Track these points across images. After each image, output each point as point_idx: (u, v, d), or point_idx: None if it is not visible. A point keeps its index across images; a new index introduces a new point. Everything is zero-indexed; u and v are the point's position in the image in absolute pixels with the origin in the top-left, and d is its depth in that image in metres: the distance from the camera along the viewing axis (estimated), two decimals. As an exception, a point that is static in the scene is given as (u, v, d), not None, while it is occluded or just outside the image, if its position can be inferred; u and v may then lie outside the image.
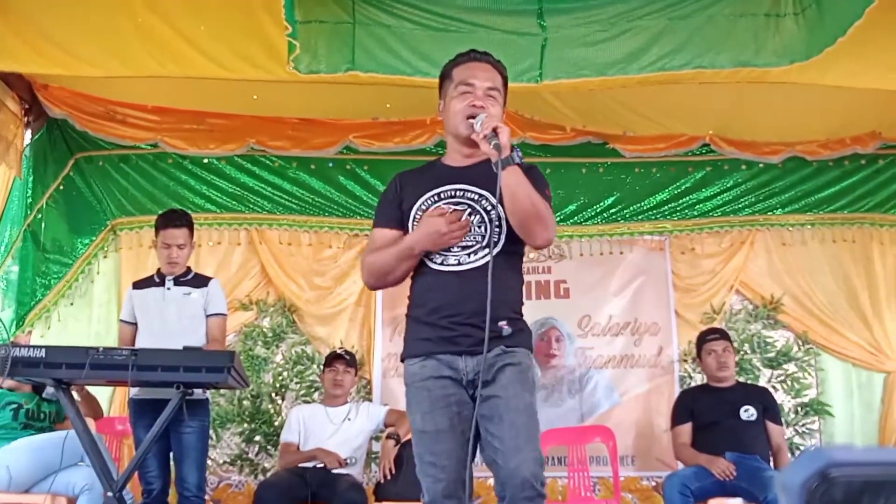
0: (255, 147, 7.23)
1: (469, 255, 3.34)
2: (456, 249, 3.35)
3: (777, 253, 7.57)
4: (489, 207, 3.36)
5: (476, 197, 3.39)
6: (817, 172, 7.58)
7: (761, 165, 7.53)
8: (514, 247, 3.38)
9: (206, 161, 7.35)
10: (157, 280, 5.48)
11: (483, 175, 3.34)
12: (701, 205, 7.62)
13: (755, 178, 7.59)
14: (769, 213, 7.60)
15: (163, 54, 5.43)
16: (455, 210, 3.37)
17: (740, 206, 7.61)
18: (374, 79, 5.42)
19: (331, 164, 7.47)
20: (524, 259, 3.50)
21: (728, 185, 7.61)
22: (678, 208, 7.60)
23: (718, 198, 7.62)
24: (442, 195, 3.43)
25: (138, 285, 5.58)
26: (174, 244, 5.40)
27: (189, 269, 5.55)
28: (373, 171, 7.46)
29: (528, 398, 3.24)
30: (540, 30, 5.36)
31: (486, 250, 3.30)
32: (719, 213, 7.62)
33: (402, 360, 3.48)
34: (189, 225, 5.50)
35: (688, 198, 7.62)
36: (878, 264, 7.51)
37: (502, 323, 3.26)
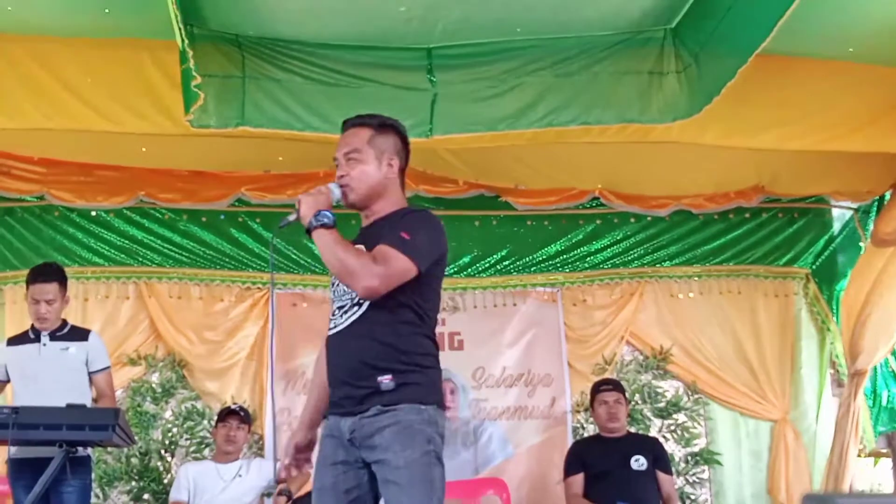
0: (145, 199, 7.12)
1: (342, 315, 3.38)
2: (336, 312, 3.41)
3: (666, 304, 7.72)
4: None
5: None
6: (703, 225, 7.79)
7: (649, 219, 7.70)
8: (394, 299, 3.29)
9: (94, 214, 7.21)
10: (32, 336, 5.35)
11: (375, 231, 3.39)
12: (592, 257, 7.74)
13: (644, 231, 7.76)
14: (658, 266, 7.76)
15: (49, 107, 5.37)
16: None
17: (630, 258, 7.75)
18: (265, 133, 5.42)
19: (222, 217, 7.40)
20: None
21: (618, 238, 7.75)
22: (570, 260, 7.71)
23: (609, 250, 7.75)
24: None
25: (13, 341, 5.44)
26: (43, 299, 5.27)
27: (65, 323, 5.42)
28: (265, 224, 7.41)
29: (411, 454, 3.17)
30: (430, 85, 5.43)
31: (356, 308, 3.33)
32: (609, 266, 7.74)
33: None
34: (60, 279, 5.36)
35: (579, 250, 7.73)
36: (763, 315, 7.71)
37: (383, 377, 3.23)
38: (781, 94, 5.87)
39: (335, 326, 3.40)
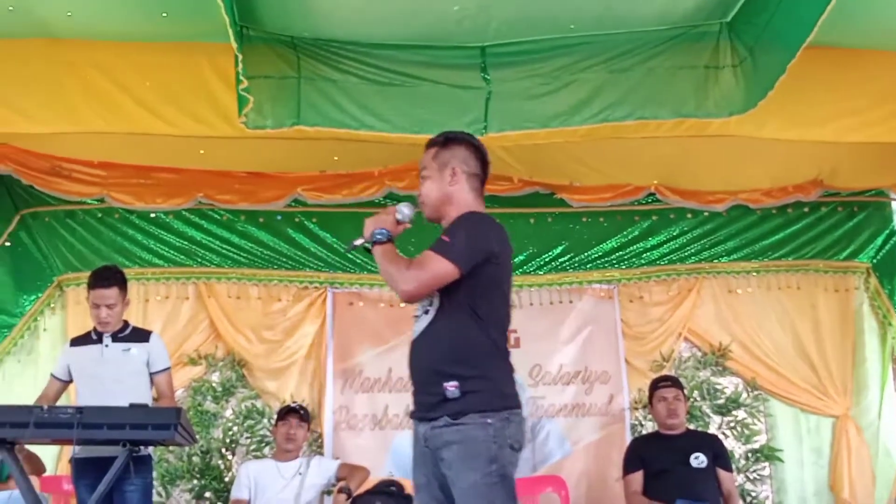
0: (203, 201, 7.20)
1: (416, 323, 3.57)
2: (414, 321, 3.60)
3: (724, 300, 7.66)
4: None
5: None
6: (761, 220, 7.72)
7: (706, 214, 7.64)
8: (452, 305, 3.45)
9: (153, 215, 7.32)
10: (95, 337, 5.41)
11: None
12: (648, 253, 7.70)
13: (700, 227, 7.71)
14: (715, 261, 7.71)
15: (108, 111, 5.44)
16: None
17: (686, 254, 7.71)
18: (320, 132, 5.45)
19: (279, 217, 7.46)
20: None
21: (674, 234, 7.71)
22: (626, 257, 7.68)
23: (665, 246, 7.71)
24: None
25: (76, 342, 5.51)
26: (103, 304, 5.32)
27: (127, 324, 5.48)
28: (321, 224, 7.47)
29: (472, 476, 3.31)
30: (484, 83, 5.44)
31: (424, 315, 3.52)
32: (666, 262, 7.71)
33: None
34: (120, 283, 5.41)
35: (635, 246, 7.70)
36: (823, 310, 7.63)
37: (449, 384, 3.37)
38: (840, 87, 5.80)
39: (413, 334, 3.59)
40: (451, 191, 3.64)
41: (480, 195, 3.73)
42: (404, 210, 3.67)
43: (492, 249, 3.49)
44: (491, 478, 3.31)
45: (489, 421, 3.34)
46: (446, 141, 3.73)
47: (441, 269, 3.40)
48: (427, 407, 3.46)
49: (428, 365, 3.48)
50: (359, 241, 3.68)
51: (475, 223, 3.54)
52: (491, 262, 3.48)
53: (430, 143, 3.76)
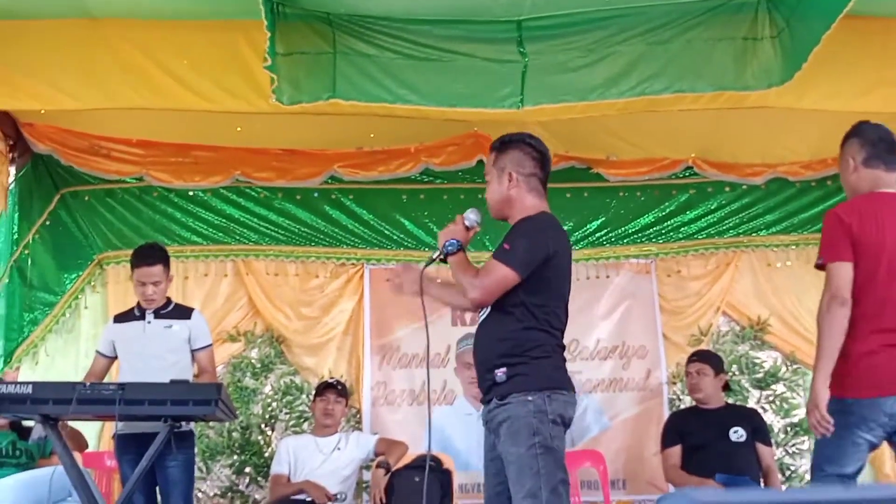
0: (241, 178, 7.24)
1: (481, 314, 3.89)
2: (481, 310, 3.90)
3: (762, 274, 7.61)
4: None
5: None
6: (800, 193, 7.64)
7: (744, 187, 7.58)
8: (507, 300, 3.73)
9: (191, 193, 7.37)
10: (138, 314, 5.46)
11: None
12: (686, 227, 7.66)
13: (739, 200, 7.65)
14: (753, 235, 7.66)
15: (144, 87, 5.46)
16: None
17: (725, 227, 7.66)
18: (356, 107, 5.43)
19: (316, 195, 7.48)
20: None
21: (712, 208, 7.66)
22: (663, 231, 7.64)
23: (703, 220, 7.67)
24: None
25: (119, 319, 5.56)
26: (149, 282, 5.36)
27: (169, 301, 5.52)
28: (358, 201, 7.49)
29: (517, 450, 3.61)
30: (520, 56, 5.39)
31: (486, 309, 3.84)
32: (704, 236, 7.66)
33: None
34: (164, 260, 5.44)
35: (672, 220, 7.66)
36: (862, 283, 7.53)
37: (498, 371, 3.70)
38: (882, 56, 5.70)
39: (478, 323, 3.93)
40: (510, 194, 3.90)
41: (541, 193, 3.96)
42: (471, 216, 3.94)
43: (548, 252, 3.74)
44: (534, 449, 3.59)
45: (529, 398, 3.64)
46: (502, 145, 3.99)
47: (503, 275, 3.70)
48: (484, 390, 3.83)
49: (484, 354, 3.83)
50: (435, 255, 3.93)
51: (533, 228, 3.79)
52: (548, 263, 3.75)
53: (491, 147, 4.04)
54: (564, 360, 3.83)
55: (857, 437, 3.90)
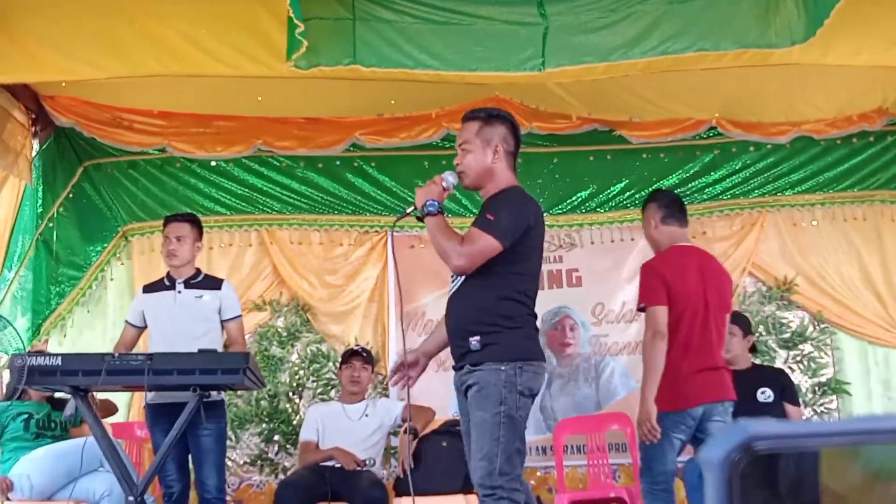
0: (262, 148, 7.24)
1: (452, 281, 4.00)
2: (453, 276, 3.98)
3: (788, 233, 7.56)
4: None
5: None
6: (825, 151, 7.56)
7: (769, 146, 7.50)
8: (486, 267, 3.83)
9: (213, 164, 7.37)
10: (168, 283, 5.49)
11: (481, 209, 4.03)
12: (710, 188, 7.62)
13: (763, 160, 7.58)
14: (779, 194, 7.60)
15: (162, 53, 5.44)
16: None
17: (749, 187, 7.60)
18: (376, 73, 5.41)
19: (338, 163, 7.48)
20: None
21: (736, 168, 7.60)
22: (687, 192, 7.57)
23: (727, 180, 7.61)
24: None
25: (148, 289, 5.59)
26: (173, 235, 5.40)
27: (198, 271, 5.55)
28: (380, 168, 7.48)
29: (481, 414, 3.78)
30: (541, 18, 5.34)
31: (459, 278, 3.93)
32: (729, 196, 7.61)
33: None
34: (191, 221, 5.48)
35: (697, 181, 7.62)
36: (889, 241, 7.49)
37: (473, 339, 3.82)
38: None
39: (450, 291, 4.02)
40: (493, 167, 4.02)
41: (515, 169, 4.12)
42: (450, 179, 4.01)
43: (528, 223, 3.90)
44: (498, 417, 3.75)
45: (502, 367, 3.79)
46: (489, 117, 4.07)
47: (488, 244, 3.81)
48: (457, 357, 3.95)
49: (458, 322, 3.93)
50: (410, 210, 4.02)
51: (517, 200, 3.97)
52: (528, 234, 3.90)
53: (472, 117, 4.09)
54: (537, 330, 4.01)
55: (674, 439, 4.82)
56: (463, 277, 3.90)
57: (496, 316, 3.84)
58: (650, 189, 7.47)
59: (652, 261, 5.17)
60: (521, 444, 3.83)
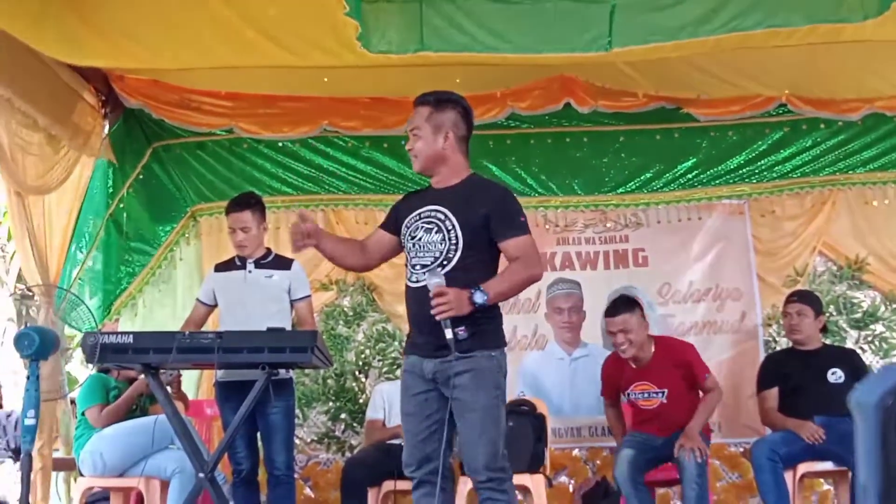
0: (328, 128, 7.27)
1: (425, 272, 3.93)
2: (418, 267, 4.00)
3: (860, 212, 7.42)
4: (450, 227, 3.98)
5: (442, 217, 4.01)
6: (898, 128, 7.41)
7: (840, 123, 7.36)
8: (473, 258, 3.95)
9: (280, 144, 7.42)
10: (239, 263, 5.53)
11: (454, 196, 4.06)
12: (780, 166, 7.50)
13: (834, 137, 7.44)
14: (850, 172, 7.46)
15: (235, 44, 5.47)
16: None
17: (820, 165, 7.47)
18: (444, 58, 5.41)
19: (403, 142, 7.42)
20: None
21: (807, 145, 7.47)
22: (756, 171, 7.49)
23: (797, 158, 7.49)
24: (422, 214, 4.08)
25: (220, 268, 5.64)
26: (238, 227, 5.43)
27: (269, 251, 5.59)
28: (445, 147, 7.45)
29: (483, 398, 3.87)
30: (607, -4, 5.30)
31: (440, 269, 3.92)
32: (799, 174, 7.49)
33: None
34: (254, 206, 5.49)
35: (766, 160, 7.50)
36: (964, 219, 7.33)
37: (459, 329, 3.80)
38: None
39: (417, 281, 3.99)
40: (445, 152, 4.08)
41: (467, 153, 4.17)
42: (434, 280, 3.86)
43: None
44: (497, 400, 3.92)
45: (493, 354, 3.93)
46: (439, 102, 4.14)
47: (534, 242, 4.05)
48: (436, 346, 3.90)
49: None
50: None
51: (512, 194, 4.15)
52: None
53: (422, 101, 4.16)
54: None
55: None
56: (444, 268, 3.92)
57: (483, 307, 3.89)
58: (719, 168, 7.43)
59: None
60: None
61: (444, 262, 3.94)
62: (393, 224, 4.25)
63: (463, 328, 3.80)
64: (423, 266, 3.96)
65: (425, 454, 3.98)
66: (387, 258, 4.43)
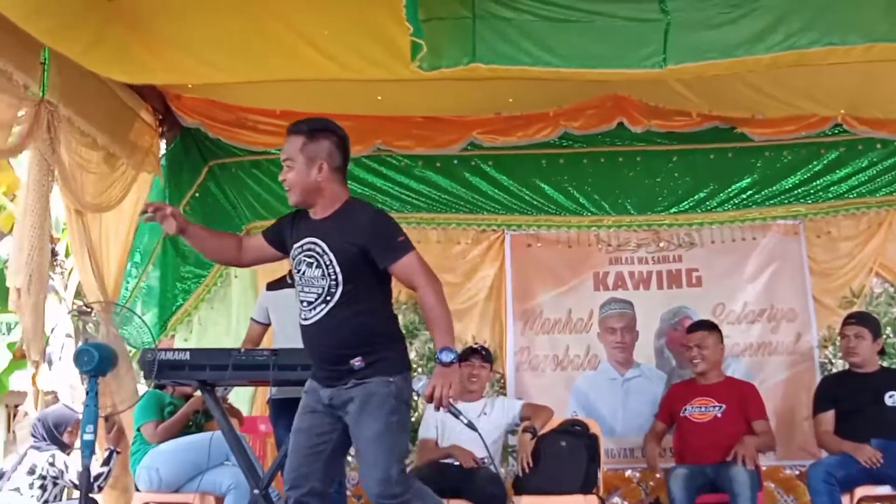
0: (382, 147, 7.30)
1: (311, 309, 3.96)
2: (304, 305, 3.98)
3: (918, 233, 7.33)
4: (328, 262, 3.92)
5: (320, 251, 3.95)
6: (956, 149, 7.30)
7: (897, 144, 7.29)
8: (356, 289, 3.91)
9: (335, 164, 7.45)
10: (290, 281, 5.57)
11: (328, 228, 3.99)
12: (835, 186, 7.42)
13: (891, 157, 7.33)
14: (908, 193, 7.37)
15: (288, 58, 5.51)
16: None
17: (876, 186, 7.38)
18: (495, 71, 5.39)
19: (456, 161, 7.50)
20: None
21: (863, 166, 7.38)
22: (812, 191, 7.42)
23: (853, 179, 7.40)
24: (304, 246, 4.01)
25: (271, 286, 5.69)
26: None
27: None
28: (498, 167, 7.48)
29: (375, 425, 3.84)
30: (662, 14, 5.25)
31: (323, 305, 3.93)
32: (855, 195, 7.40)
33: None
34: None
35: (821, 180, 7.42)
36: None
37: (355, 360, 3.86)
38: None
39: (306, 319, 3.98)
40: (319, 184, 3.99)
41: (344, 181, 4.14)
42: (418, 385, 4.02)
43: None
44: (391, 426, 3.86)
45: (391, 380, 3.89)
46: (312, 132, 4.04)
47: (420, 257, 4.07)
48: (334, 377, 3.93)
49: (334, 349, 3.92)
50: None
51: (388, 216, 4.15)
52: None
53: (295, 131, 4.05)
54: (404, 338, 4.19)
55: None
56: (326, 308, 3.91)
57: (380, 335, 3.96)
58: (773, 188, 7.37)
59: None
60: (408, 453, 4.14)
61: (328, 298, 3.92)
62: (275, 236, 4.24)
63: (359, 359, 3.86)
64: (310, 304, 3.96)
65: (302, 473, 3.96)
66: (260, 262, 4.51)
